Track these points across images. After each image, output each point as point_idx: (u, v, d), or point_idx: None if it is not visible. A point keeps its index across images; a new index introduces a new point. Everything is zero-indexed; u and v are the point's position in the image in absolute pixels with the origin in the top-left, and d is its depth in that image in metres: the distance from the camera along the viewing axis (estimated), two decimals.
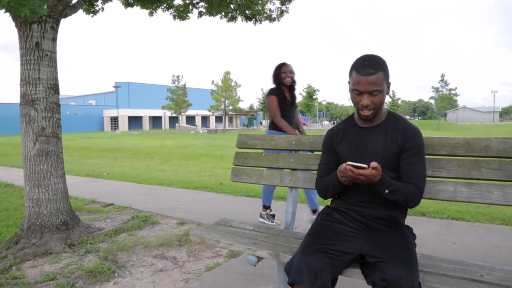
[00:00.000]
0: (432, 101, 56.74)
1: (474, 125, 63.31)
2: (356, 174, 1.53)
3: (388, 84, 1.69)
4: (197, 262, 2.97)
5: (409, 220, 3.88)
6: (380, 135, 1.72)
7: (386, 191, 1.57)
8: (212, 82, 42.06)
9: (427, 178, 1.83)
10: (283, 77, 3.83)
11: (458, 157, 1.84)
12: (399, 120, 1.74)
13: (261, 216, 4.06)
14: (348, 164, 1.54)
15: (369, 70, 1.60)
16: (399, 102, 74.09)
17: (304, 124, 60.56)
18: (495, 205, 1.78)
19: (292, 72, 3.86)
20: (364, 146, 1.74)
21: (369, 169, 1.51)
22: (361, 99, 1.65)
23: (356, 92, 1.66)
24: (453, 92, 50.28)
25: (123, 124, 57.81)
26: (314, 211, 4.01)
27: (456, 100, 55.49)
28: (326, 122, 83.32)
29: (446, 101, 50.56)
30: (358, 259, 1.58)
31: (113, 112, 58.58)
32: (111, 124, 60.91)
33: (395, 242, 1.55)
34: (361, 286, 2.40)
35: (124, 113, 58.05)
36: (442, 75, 50.89)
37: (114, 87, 56.37)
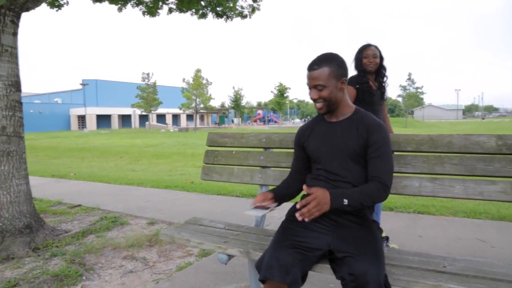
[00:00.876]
0: (400, 99, 58.28)
1: (439, 123, 65.58)
2: (310, 207, 1.56)
3: (342, 80, 1.75)
4: (168, 262, 2.93)
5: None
6: (346, 130, 1.77)
7: (345, 201, 1.58)
8: (183, 79, 41.53)
9: (394, 174, 1.88)
10: (364, 63, 3.06)
11: (423, 153, 1.90)
12: (365, 116, 1.78)
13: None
14: (298, 207, 1.60)
15: (313, 66, 1.73)
16: None
17: (275, 122, 61.00)
18: (457, 198, 1.85)
19: (376, 56, 3.05)
20: (331, 140, 1.77)
21: (310, 196, 1.58)
22: (310, 92, 1.77)
23: (308, 87, 1.78)
24: (419, 90, 51.84)
25: (91, 123, 56.23)
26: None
27: (422, 98, 57.16)
28: (297, 120, 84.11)
29: (413, 99, 52.06)
30: (327, 254, 1.61)
31: (80, 111, 56.85)
32: (79, 123, 59.14)
33: (362, 237, 1.58)
34: (332, 281, 2.45)
35: (92, 112, 56.42)
36: (409, 74, 52.45)
37: (81, 84, 54.73)
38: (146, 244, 3.31)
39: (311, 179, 1.85)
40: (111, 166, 9.89)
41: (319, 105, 1.76)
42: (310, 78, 1.73)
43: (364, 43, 3.11)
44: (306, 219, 1.55)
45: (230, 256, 1.88)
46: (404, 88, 51.62)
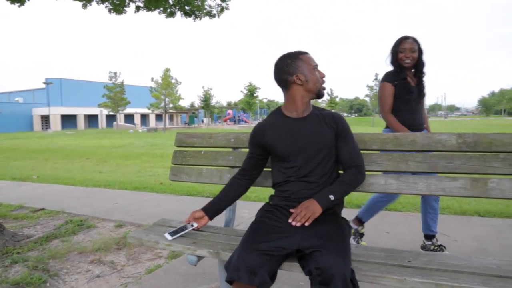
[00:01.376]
0: (367, 99, 59.61)
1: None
2: (302, 214, 1.64)
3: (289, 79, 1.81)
4: (136, 265, 2.87)
5: (347, 212, 4.06)
6: (315, 125, 1.80)
7: (331, 197, 1.68)
8: (152, 79, 40.76)
9: None
10: (400, 58, 2.77)
11: (388, 151, 1.95)
12: (321, 109, 1.88)
13: (423, 248, 2.99)
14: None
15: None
16: (337, 99, 77.07)
17: (245, 122, 61.00)
18: (421, 195, 1.91)
19: (414, 50, 2.74)
20: (302, 136, 1.79)
21: (299, 208, 1.66)
22: (322, 72, 1.88)
23: (316, 67, 1.86)
24: None
25: (55, 123, 54.29)
26: (428, 237, 2.93)
27: None
28: None
29: None
30: (295, 253, 1.62)
31: (43, 111, 54.76)
32: (42, 123, 56.97)
33: (330, 232, 1.61)
34: (302, 279, 2.47)
35: (56, 112, 54.46)
36: (376, 75, 53.68)
37: (44, 83, 52.70)
38: (114, 247, 3.23)
39: (280, 180, 1.84)
40: (77, 168, 9.59)
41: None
42: (312, 59, 1.83)
43: (402, 35, 2.81)
44: (299, 224, 1.61)
45: (199, 257, 1.86)
46: (371, 88, 52.85)
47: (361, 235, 3.12)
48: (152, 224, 2.26)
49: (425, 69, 2.82)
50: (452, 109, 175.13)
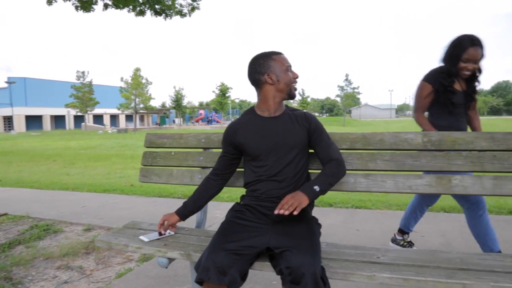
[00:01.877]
0: (338, 99, 60.56)
1: (374, 121, 69.12)
2: (290, 202, 1.59)
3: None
4: (106, 269, 2.80)
5: (318, 211, 4.13)
6: (287, 124, 1.82)
7: (316, 188, 1.66)
8: (121, 79, 39.86)
9: None
10: (461, 67, 2.38)
11: (357, 151, 1.99)
12: (293, 109, 1.90)
13: (393, 240, 3.00)
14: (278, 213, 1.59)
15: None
16: (309, 99, 78.00)
17: (217, 122, 60.74)
18: (389, 192, 1.96)
19: (478, 60, 2.37)
20: (274, 136, 1.79)
21: (285, 198, 1.61)
22: (293, 72, 1.87)
23: (288, 68, 1.85)
24: (356, 90, 54.20)
25: (19, 124, 52.23)
26: (401, 232, 2.97)
27: (359, 98, 59.93)
28: None
29: (350, 99, 54.31)
30: (265, 252, 1.62)
31: (6, 111, 52.51)
32: (5, 124, 54.72)
33: (300, 232, 1.62)
34: (275, 278, 2.48)
35: (20, 112, 52.38)
36: (347, 75, 54.59)
37: (6, 82, 50.57)
38: (83, 252, 3.14)
39: (251, 179, 1.85)
40: (42, 171, 9.27)
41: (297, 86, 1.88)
42: (288, 59, 1.85)
43: (466, 33, 2.38)
44: (287, 212, 1.56)
45: (170, 260, 1.84)
46: (342, 88, 53.73)
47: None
48: (122, 227, 2.21)
49: (480, 79, 2.48)
50: None
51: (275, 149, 1.78)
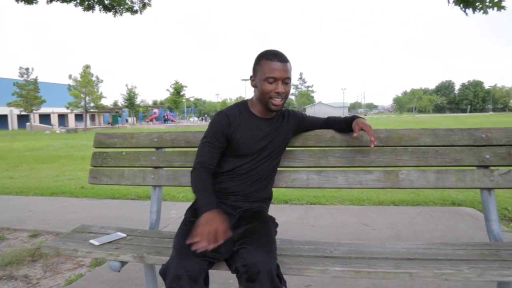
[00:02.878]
0: (293, 97, 61.57)
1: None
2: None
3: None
4: (55, 276, 2.67)
5: (274, 208, 4.17)
6: (277, 127, 1.82)
7: None
8: (70, 76, 38.12)
9: (283, 169, 2.01)
10: None
11: (309, 148, 2.03)
12: (284, 111, 1.90)
13: None
14: None
15: (284, 57, 1.67)
16: None
17: (172, 120, 59.75)
18: (340, 188, 2.02)
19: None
20: (265, 138, 1.78)
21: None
22: (276, 86, 1.66)
23: (271, 79, 1.65)
24: (310, 89, 55.38)
25: None
26: None
27: (313, 97, 61.35)
28: (194, 119, 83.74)
29: (305, 97, 55.46)
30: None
31: None
32: None
33: (256, 230, 1.62)
34: (231, 276, 2.48)
35: None
36: (301, 74, 55.85)
37: None
38: (28, 259, 2.97)
39: (226, 176, 1.79)
40: None
41: (280, 101, 1.68)
42: (283, 70, 1.64)
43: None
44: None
45: (123, 263, 1.78)
46: (296, 86, 54.70)
47: None
48: (70, 231, 2.12)
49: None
50: (371, 107, 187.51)
51: (261, 151, 1.77)
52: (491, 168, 1.90)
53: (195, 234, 1.40)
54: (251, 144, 1.74)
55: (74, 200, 5.08)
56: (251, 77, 1.76)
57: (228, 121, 1.72)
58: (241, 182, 1.77)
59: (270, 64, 1.64)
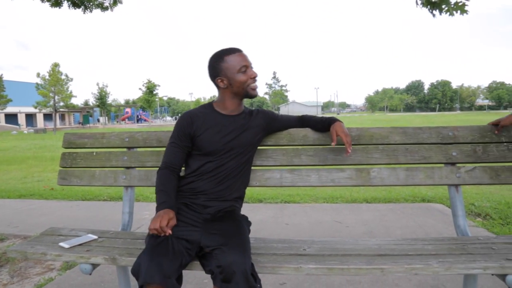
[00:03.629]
0: (267, 96, 61.82)
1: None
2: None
3: None
4: (23, 282, 2.58)
5: (249, 207, 4.18)
6: (244, 124, 1.82)
7: None
8: (38, 75, 36.93)
9: (257, 168, 2.02)
10: None
11: (282, 147, 2.05)
12: (252, 109, 1.92)
13: None
14: None
15: (239, 49, 1.77)
16: None
17: (145, 120, 58.84)
18: (313, 186, 2.04)
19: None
20: (231, 134, 1.78)
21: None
22: (251, 72, 1.75)
23: (243, 68, 1.73)
24: (284, 88, 55.75)
25: None
26: None
27: (287, 96, 61.79)
28: (168, 118, 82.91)
29: (279, 96, 55.80)
30: (198, 251, 1.61)
31: None
32: None
33: (229, 230, 1.62)
34: (206, 276, 2.46)
35: None
36: (274, 73, 56.09)
37: None
38: None
39: (194, 176, 1.79)
40: None
41: (256, 84, 1.79)
42: (246, 57, 1.76)
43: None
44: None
45: (94, 266, 1.74)
46: (270, 86, 54.93)
47: None
48: (39, 234, 2.05)
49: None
50: (344, 106, 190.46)
51: (228, 148, 1.76)
52: (458, 165, 1.97)
53: (149, 228, 1.53)
54: (215, 141, 1.75)
55: (44, 202, 4.93)
56: (217, 79, 1.76)
57: (190, 121, 1.77)
58: (209, 181, 1.76)
59: (235, 57, 1.73)
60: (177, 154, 1.77)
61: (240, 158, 1.80)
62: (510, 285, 1.47)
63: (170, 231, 1.53)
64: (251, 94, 1.79)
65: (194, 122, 1.76)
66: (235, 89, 1.75)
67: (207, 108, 1.83)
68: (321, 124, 1.95)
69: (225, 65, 1.72)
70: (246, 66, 1.73)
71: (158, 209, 1.63)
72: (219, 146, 1.75)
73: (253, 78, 1.75)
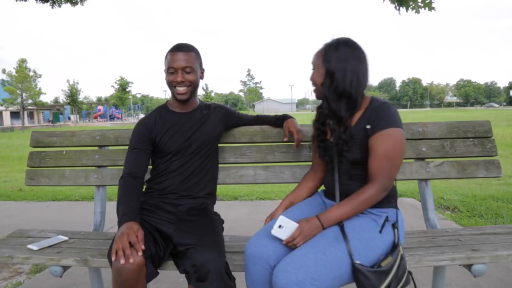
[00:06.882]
0: (242, 94, 61.80)
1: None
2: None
3: (202, 70, 1.80)
4: None
5: (223, 204, 4.17)
6: (200, 119, 1.81)
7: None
8: (4, 71, 35.57)
9: (230, 165, 2.02)
10: None
11: (256, 144, 2.05)
12: (208, 103, 1.89)
13: None
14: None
15: (181, 48, 1.70)
16: (212, 94, 78.27)
17: (118, 118, 57.73)
18: (288, 183, 2.06)
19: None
20: (188, 131, 1.77)
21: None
22: (175, 75, 1.69)
23: (171, 70, 1.69)
24: (258, 85, 55.84)
25: None
26: None
27: (261, 93, 61.92)
28: (141, 115, 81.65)
29: (253, 93, 55.83)
30: (172, 248, 1.60)
31: None
32: None
33: (203, 228, 1.62)
34: (180, 275, 2.45)
35: None
36: (249, 70, 56.00)
37: None
38: None
39: (161, 177, 1.78)
40: None
41: (183, 89, 1.71)
42: (178, 60, 1.67)
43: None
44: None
45: (65, 268, 1.70)
46: (244, 83, 54.92)
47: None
48: (5, 237, 1.98)
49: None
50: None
51: (187, 145, 1.76)
52: (427, 160, 2.03)
53: (113, 249, 1.41)
54: (175, 139, 1.76)
55: (11, 204, 4.77)
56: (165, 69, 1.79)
57: (148, 127, 1.76)
58: (175, 179, 1.76)
59: (170, 56, 1.70)
60: (139, 159, 1.71)
61: (203, 152, 1.80)
62: (476, 274, 1.53)
63: (143, 246, 1.41)
64: (176, 97, 1.75)
65: (153, 128, 1.76)
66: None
67: (162, 110, 1.84)
68: (275, 122, 2.01)
69: (165, 61, 1.74)
70: (174, 69, 1.69)
71: (119, 224, 1.51)
72: (179, 143, 1.76)
73: (177, 81, 1.69)
